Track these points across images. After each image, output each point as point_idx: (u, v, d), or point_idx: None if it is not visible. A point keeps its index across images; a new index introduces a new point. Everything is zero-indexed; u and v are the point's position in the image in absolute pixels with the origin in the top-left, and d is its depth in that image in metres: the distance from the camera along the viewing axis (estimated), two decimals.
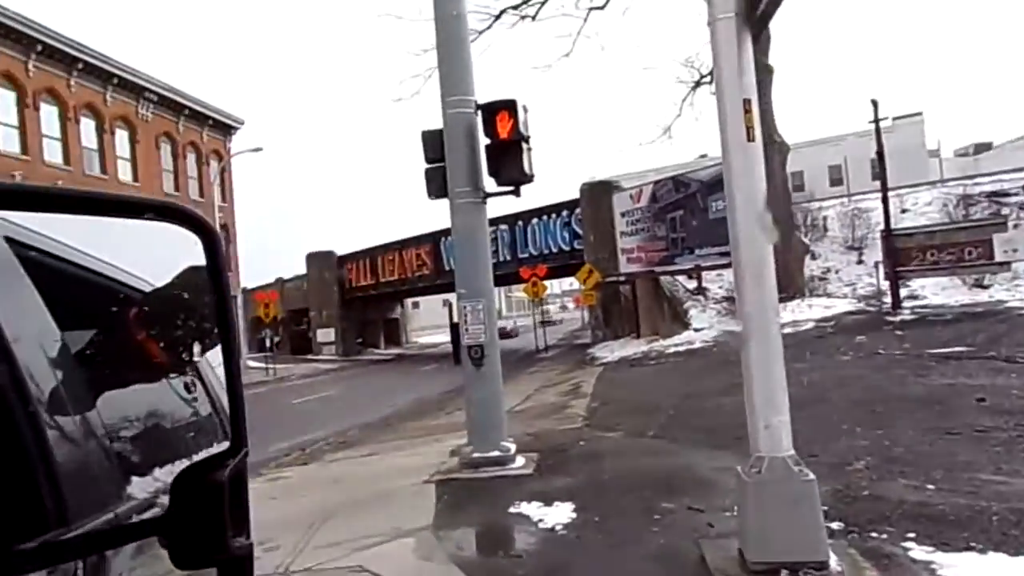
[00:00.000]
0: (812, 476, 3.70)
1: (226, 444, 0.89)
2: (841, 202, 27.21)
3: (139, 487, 1.01)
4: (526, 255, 29.30)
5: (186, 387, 1.17)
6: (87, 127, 27.09)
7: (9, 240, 0.94)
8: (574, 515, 5.10)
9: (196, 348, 1.09)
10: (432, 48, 8.47)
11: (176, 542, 0.73)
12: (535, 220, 29.19)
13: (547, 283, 30.57)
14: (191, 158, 33.02)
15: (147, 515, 0.83)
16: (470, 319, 6.97)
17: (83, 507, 0.88)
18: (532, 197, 14.33)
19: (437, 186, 7.24)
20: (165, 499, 0.96)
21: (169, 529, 0.74)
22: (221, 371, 0.93)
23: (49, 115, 25.34)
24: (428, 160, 7.31)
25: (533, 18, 22.18)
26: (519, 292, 30.38)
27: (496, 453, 6.82)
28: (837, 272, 22.92)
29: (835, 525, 4.25)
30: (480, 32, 20.35)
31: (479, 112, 6.96)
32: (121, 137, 28.72)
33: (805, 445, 3.99)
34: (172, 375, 1.14)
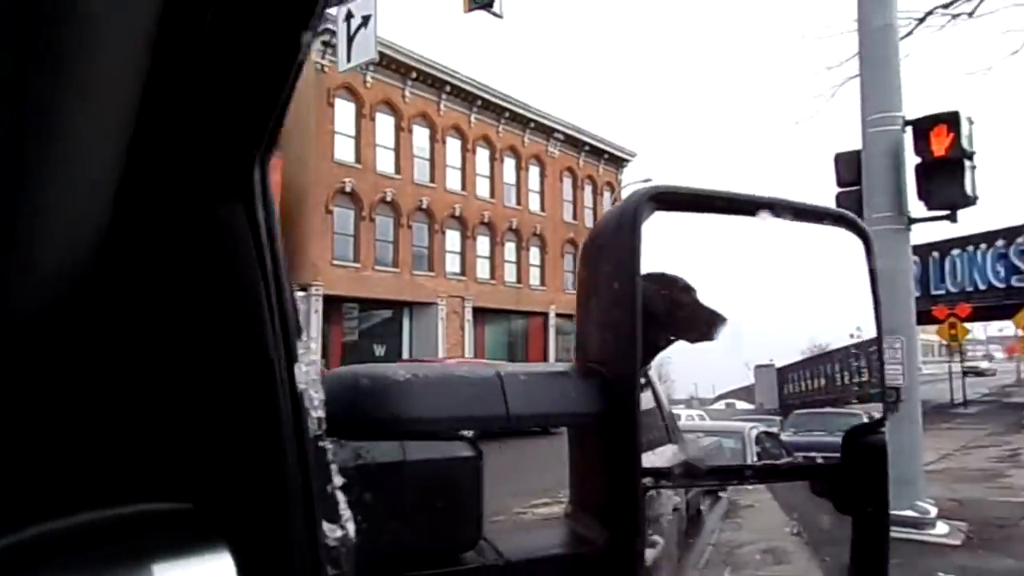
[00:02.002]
0: None
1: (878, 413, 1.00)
2: None
3: None
4: (941, 292, 25.15)
5: None
6: (509, 166, 31.80)
7: None
8: None
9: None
10: (836, 66, 8.10)
11: (840, 489, 0.85)
12: (956, 251, 24.92)
13: (968, 326, 25.79)
14: (587, 190, 36.25)
15: (818, 462, 0.97)
16: (885, 358, 6.26)
17: None
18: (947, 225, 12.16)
19: (850, 211, 6.75)
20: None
21: (838, 476, 0.85)
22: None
23: (482, 157, 30.51)
24: (841, 183, 6.88)
25: (970, 15, 19.01)
26: (929, 335, 26.17)
27: (910, 513, 5.99)
28: None
29: None
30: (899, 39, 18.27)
31: (907, 128, 6.27)
32: (533, 173, 32.99)
33: None
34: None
